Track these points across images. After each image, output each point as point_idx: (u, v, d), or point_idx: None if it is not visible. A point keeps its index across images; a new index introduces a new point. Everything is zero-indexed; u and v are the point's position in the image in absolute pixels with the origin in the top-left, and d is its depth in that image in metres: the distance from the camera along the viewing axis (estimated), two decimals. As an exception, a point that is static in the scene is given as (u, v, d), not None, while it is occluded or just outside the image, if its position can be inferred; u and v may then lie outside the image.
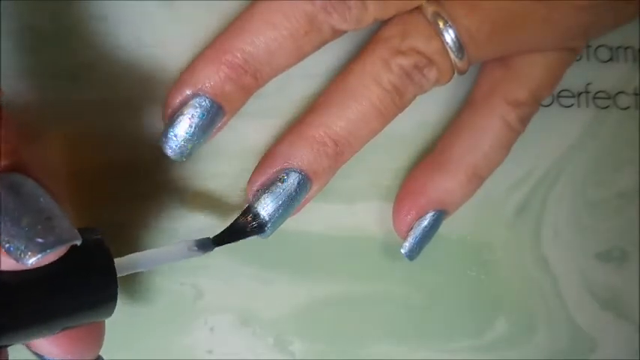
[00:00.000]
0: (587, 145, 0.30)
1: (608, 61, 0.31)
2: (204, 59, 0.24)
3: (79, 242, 0.19)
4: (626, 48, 0.31)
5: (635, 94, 0.31)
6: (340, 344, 0.27)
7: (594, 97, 0.30)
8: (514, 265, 0.29)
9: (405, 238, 0.27)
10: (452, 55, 0.25)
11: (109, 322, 0.21)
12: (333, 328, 0.27)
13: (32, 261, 0.18)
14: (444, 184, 0.27)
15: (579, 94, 0.30)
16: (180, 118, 0.24)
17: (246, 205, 0.24)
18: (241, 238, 0.24)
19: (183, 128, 0.23)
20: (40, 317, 0.19)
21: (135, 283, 0.26)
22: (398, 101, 0.25)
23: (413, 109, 0.25)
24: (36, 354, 0.21)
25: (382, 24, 0.25)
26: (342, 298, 0.27)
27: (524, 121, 0.27)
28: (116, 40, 0.26)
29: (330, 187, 0.25)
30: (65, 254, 0.19)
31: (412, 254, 0.27)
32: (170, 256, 0.23)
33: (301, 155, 0.24)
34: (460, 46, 0.24)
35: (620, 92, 0.31)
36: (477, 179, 0.27)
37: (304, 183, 0.24)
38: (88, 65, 0.26)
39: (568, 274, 0.29)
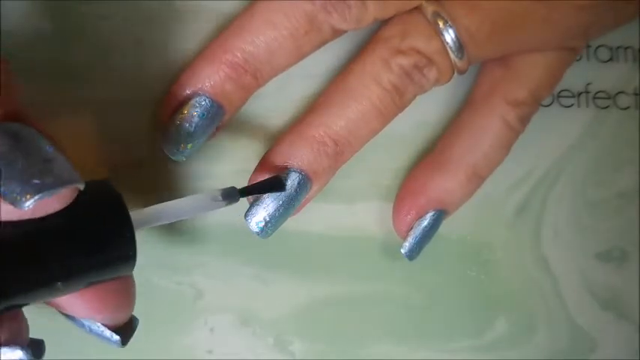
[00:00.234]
0: (587, 145, 0.30)
1: (608, 61, 0.31)
2: (204, 59, 0.24)
3: (81, 185, 0.17)
4: (626, 48, 0.31)
5: (635, 94, 0.31)
6: (340, 344, 0.27)
7: (594, 97, 0.30)
8: (514, 265, 0.29)
9: (404, 238, 0.27)
10: (452, 55, 0.25)
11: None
12: (333, 328, 0.27)
13: (29, 203, 0.16)
14: (444, 183, 0.27)
15: (579, 94, 0.30)
16: (181, 117, 0.24)
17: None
18: (268, 192, 0.24)
19: (183, 128, 0.24)
20: (56, 272, 0.18)
21: (135, 283, 0.25)
22: (398, 101, 0.25)
23: (413, 109, 0.25)
24: (67, 316, 0.20)
25: (382, 24, 0.25)
26: (342, 298, 0.27)
27: (524, 120, 0.27)
28: (116, 40, 0.26)
29: (330, 187, 0.26)
30: (76, 204, 0.17)
31: (412, 254, 0.27)
32: (193, 208, 0.21)
33: (301, 155, 0.24)
34: (460, 46, 0.24)
35: (620, 92, 0.31)
36: (477, 179, 0.27)
37: (304, 183, 0.24)
38: (88, 65, 0.26)
39: (568, 274, 0.29)
